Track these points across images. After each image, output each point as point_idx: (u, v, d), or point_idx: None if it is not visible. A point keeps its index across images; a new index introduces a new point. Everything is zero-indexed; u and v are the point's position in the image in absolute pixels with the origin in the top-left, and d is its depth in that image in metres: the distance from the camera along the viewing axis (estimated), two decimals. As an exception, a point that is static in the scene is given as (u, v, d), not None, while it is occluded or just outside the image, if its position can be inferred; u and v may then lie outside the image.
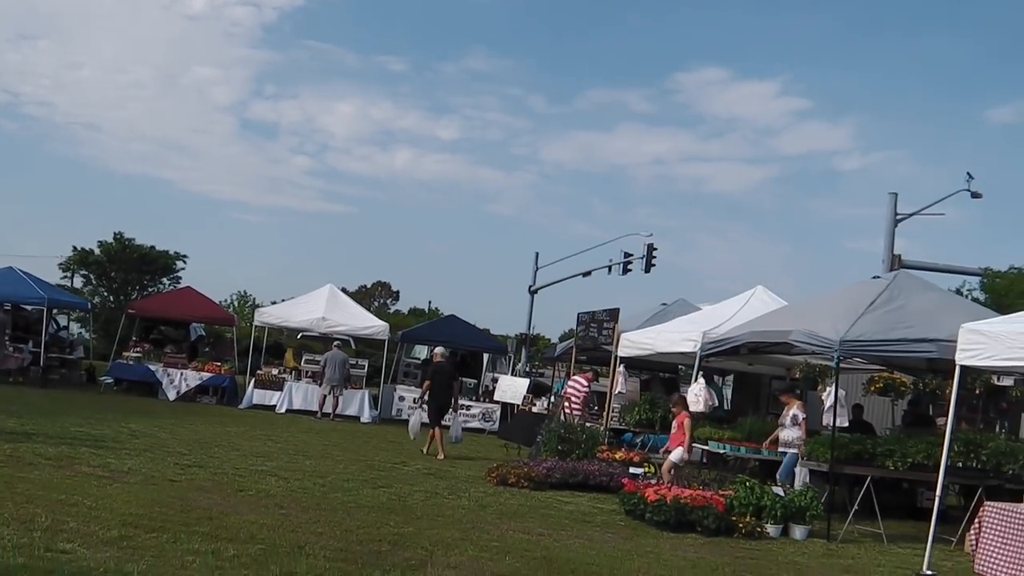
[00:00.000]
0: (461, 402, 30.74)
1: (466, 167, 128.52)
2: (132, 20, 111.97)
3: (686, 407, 18.91)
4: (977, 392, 17.92)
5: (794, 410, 18.30)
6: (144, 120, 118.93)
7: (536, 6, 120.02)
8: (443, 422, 22.59)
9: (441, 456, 21.77)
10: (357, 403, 30.86)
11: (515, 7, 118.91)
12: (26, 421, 19.87)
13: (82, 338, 41.77)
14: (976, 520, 13.00)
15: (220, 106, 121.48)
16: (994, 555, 12.36)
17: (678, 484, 16.92)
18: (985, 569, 12.55)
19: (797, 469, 17.69)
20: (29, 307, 34.84)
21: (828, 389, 17.41)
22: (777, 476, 17.85)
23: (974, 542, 12.76)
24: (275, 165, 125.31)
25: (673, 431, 18.64)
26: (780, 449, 18.46)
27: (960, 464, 16.34)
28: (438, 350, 24.92)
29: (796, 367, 20.26)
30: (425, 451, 22.30)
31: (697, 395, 20.09)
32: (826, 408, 17.34)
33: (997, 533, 12.44)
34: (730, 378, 31.20)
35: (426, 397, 23.18)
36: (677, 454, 18.08)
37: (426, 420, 22.93)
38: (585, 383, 24.48)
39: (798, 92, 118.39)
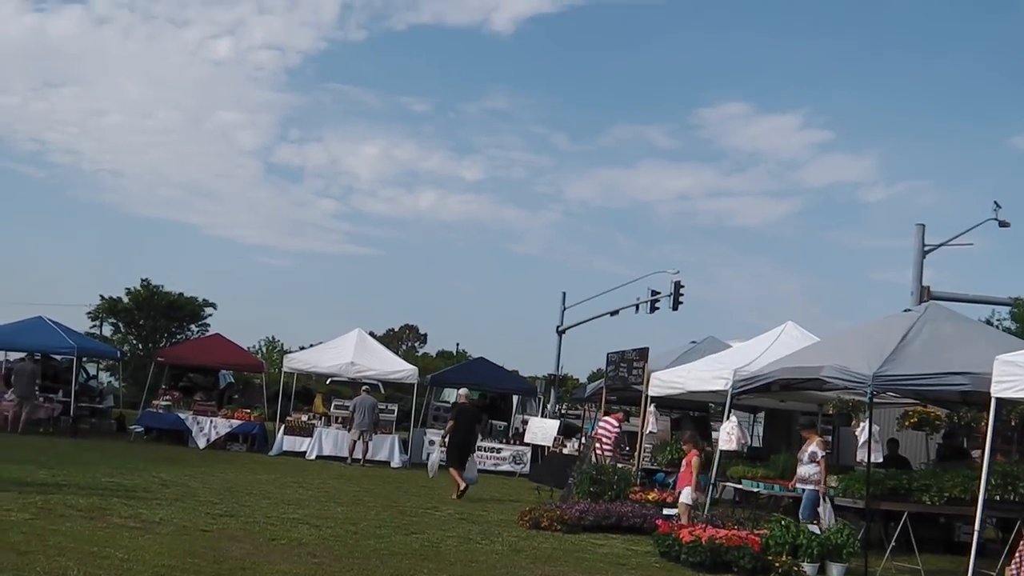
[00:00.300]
0: (492, 445, 30.81)
1: (491, 207, 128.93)
2: (157, 65, 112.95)
3: (696, 445, 18.81)
4: (1012, 424, 17.76)
5: (813, 447, 18.10)
6: (169, 165, 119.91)
7: (556, 44, 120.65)
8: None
9: (455, 496, 21.99)
10: (387, 448, 30.74)
11: (536, 46, 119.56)
12: (57, 472, 19.86)
13: (112, 387, 41.93)
14: (1017, 554, 12.82)
15: (245, 150, 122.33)
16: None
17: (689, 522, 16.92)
18: (1027, 603, 12.36)
19: (820, 508, 17.53)
20: (59, 356, 34.94)
21: (862, 425, 17.28)
22: (799, 515, 17.69)
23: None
24: (301, 208, 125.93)
25: (682, 470, 18.53)
26: (798, 486, 18.30)
27: (997, 497, 16.18)
28: (462, 391, 25.05)
29: (829, 403, 20.13)
30: (455, 496, 22.12)
31: (730, 433, 19.91)
32: (860, 444, 17.22)
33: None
34: (761, 415, 31.05)
35: (448, 436, 23.23)
36: (687, 494, 17.94)
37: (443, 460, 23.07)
38: (615, 423, 24.37)
39: (820, 124, 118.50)
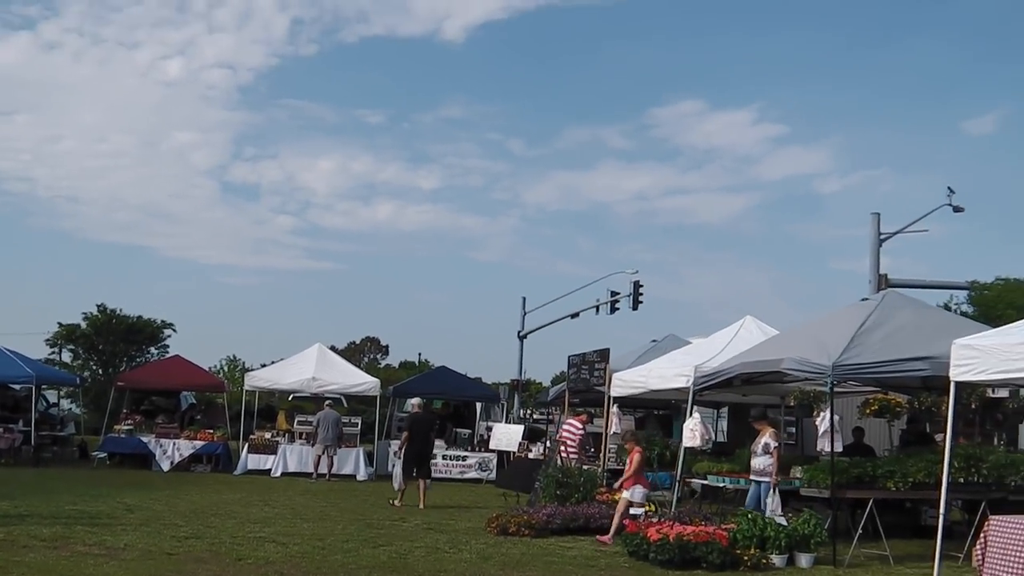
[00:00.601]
0: (457, 452, 30.82)
1: (449, 215, 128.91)
2: (109, 90, 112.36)
3: (640, 442, 18.80)
4: (973, 406, 17.87)
5: (766, 438, 18.13)
6: (126, 188, 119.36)
7: (508, 50, 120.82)
8: (414, 473, 22.93)
9: (402, 504, 22.18)
10: (352, 461, 30.61)
11: (488, 53, 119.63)
12: (19, 502, 19.70)
13: (73, 414, 41.57)
14: (981, 535, 12.87)
15: (201, 170, 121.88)
16: (1001, 568, 12.22)
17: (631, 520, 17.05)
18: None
19: (768, 499, 17.58)
20: (17, 386, 34.68)
21: (823, 415, 17.34)
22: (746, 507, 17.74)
23: (980, 557, 12.63)
24: (259, 226, 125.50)
25: (627, 468, 18.48)
26: (752, 478, 18.34)
27: (962, 480, 16.30)
28: (415, 401, 25.16)
29: (791, 395, 20.19)
30: (398, 503, 22.37)
31: (693, 430, 19.92)
32: (821, 433, 17.27)
33: (1002, 546, 12.30)
34: (725, 410, 31.13)
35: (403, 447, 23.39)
36: (638, 493, 17.94)
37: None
38: (580, 425, 24.32)
39: (774, 118, 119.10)
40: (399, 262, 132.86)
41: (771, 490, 17.49)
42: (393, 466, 25.43)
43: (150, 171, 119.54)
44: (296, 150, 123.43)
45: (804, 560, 15.04)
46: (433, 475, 29.14)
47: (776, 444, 17.94)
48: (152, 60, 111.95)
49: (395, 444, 30.53)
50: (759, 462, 18.03)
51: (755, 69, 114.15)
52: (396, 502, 22.48)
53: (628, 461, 18.43)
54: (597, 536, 17.47)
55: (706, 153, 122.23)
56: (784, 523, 15.43)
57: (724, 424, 32.65)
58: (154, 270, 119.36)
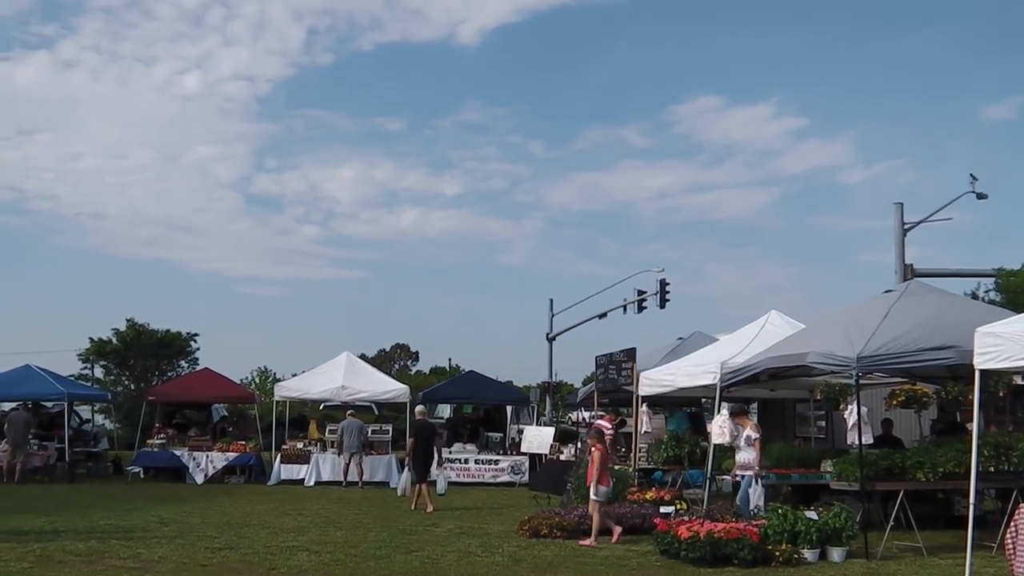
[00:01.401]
0: (490, 456, 30.83)
1: (473, 220, 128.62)
2: (128, 106, 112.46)
3: (602, 440, 18.78)
4: (1001, 394, 17.78)
5: (747, 431, 18.13)
6: (148, 204, 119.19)
7: (524, 52, 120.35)
8: (429, 477, 23.24)
9: (430, 509, 22.30)
10: (384, 468, 30.73)
11: (504, 56, 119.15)
12: (55, 518, 19.88)
13: (105, 429, 41.77)
14: (1012, 523, 12.84)
15: (223, 183, 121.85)
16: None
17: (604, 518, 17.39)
18: (1024, 572, 12.38)
19: (751, 490, 17.58)
20: (50, 403, 34.92)
21: (850, 408, 17.31)
22: (737, 501, 17.75)
23: (1012, 545, 12.59)
24: (283, 237, 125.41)
25: (588, 466, 18.49)
26: (737, 472, 18.34)
27: (992, 468, 16.23)
28: (418, 408, 25.49)
29: (817, 388, 20.16)
30: (413, 507, 22.72)
31: (722, 427, 19.88)
32: (849, 426, 17.23)
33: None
34: (754, 406, 31.07)
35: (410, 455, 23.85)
36: (592, 491, 17.92)
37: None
38: (609, 426, 24.35)
39: (793, 112, 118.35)
40: (425, 268, 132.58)
41: (753, 482, 17.53)
42: (400, 476, 25.79)
43: (172, 185, 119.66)
44: (317, 160, 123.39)
45: (836, 554, 15.04)
46: (466, 479, 29.40)
47: (757, 436, 17.98)
48: (169, 75, 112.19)
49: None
50: (741, 456, 18.06)
51: (772, 64, 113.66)
52: (413, 506, 22.89)
53: (590, 460, 18.46)
54: (580, 540, 17.51)
55: (726, 149, 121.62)
56: (815, 517, 15.40)
57: (754, 420, 32.55)
58: (180, 284, 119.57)
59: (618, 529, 17.50)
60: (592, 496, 17.80)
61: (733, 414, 19.56)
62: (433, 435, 24.43)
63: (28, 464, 30.24)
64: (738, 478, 19.03)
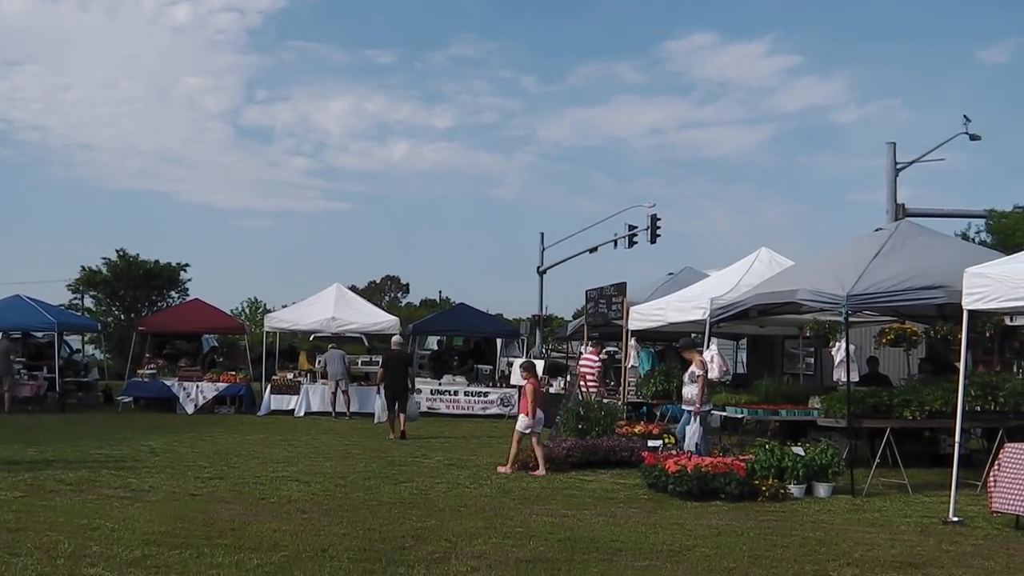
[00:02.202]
0: (479, 389, 30.97)
1: (465, 153, 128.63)
2: (117, 37, 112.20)
3: (534, 374, 18.89)
4: (989, 335, 17.89)
5: (692, 367, 18.20)
6: (138, 135, 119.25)
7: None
8: (401, 406, 24.04)
9: (391, 436, 23.51)
10: (373, 400, 30.82)
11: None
12: (45, 448, 19.94)
13: (96, 359, 41.84)
14: (996, 462, 12.95)
15: (213, 114, 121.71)
16: (1011, 494, 12.31)
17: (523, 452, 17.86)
18: (1001, 507, 12.51)
19: (688, 428, 17.67)
20: (40, 333, 34.92)
21: (838, 345, 17.38)
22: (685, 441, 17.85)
23: (993, 482, 12.71)
24: (274, 168, 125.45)
25: (520, 399, 18.64)
26: (683, 407, 18.46)
27: (979, 408, 16.33)
28: (394, 339, 26.61)
29: (807, 325, 20.24)
30: (391, 437, 23.37)
31: (711, 361, 19.96)
32: (837, 363, 17.31)
33: (1014, 473, 12.39)
34: (744, 341, 31.19)
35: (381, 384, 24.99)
36: (522, 422, 18.14)
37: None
38: (595, 358, 24.45)
39: (788, 49, 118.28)
40: (416, 201, 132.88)
41: (692, 418, 17.62)
42: (375, 404, 26.23)
43: (162, 117, 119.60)
44: (308, 92, 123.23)
45: (822, 490, 15.15)
46: (455, 411, 29.57)
47: (700, 373, 17.97)
48: (159, 6, 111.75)
49: (417, 381, 31.07)
50: (687, 391, 18.13)
51: (767, 1, 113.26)
52: (390, 436, 23.47)
53: (522, 392, 18.63)
54: (497, 467, 17.97)
55: (720, 86, 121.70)
56: (802, 453, 15.49)
57: (744, 355, 32.68)
58: (171, 215, 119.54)
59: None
60: (518, 427, 18.18)
61: (682, 348, 19.62)
62: (406, 365, 24.91)
63: (17, 394, 30.27)
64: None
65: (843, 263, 17.29)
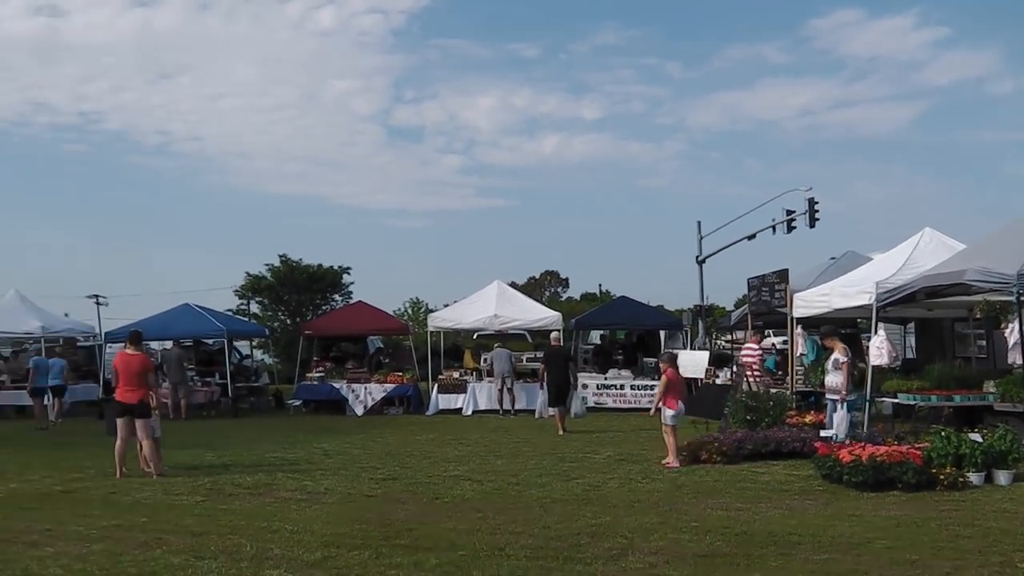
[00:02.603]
0: (644, 382, 30.81)
1: (614, 144, 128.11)
2: (265, 44, 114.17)
3: (673, 364, 18.67)
4: None
5: (836, 354, 17.84)
6: (292, 141, 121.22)
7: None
8: (565, 402, 24.44)
9: (560, 432, 23.44)
10: (539, 396, 30.93)
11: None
12: (223, 453, 20.43)
13: (265, 364, 42.66)
14: None
15: (364, 116, 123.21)
16: None
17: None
18: None
19: (835, 416, 17.31)
20: (210, 340, 35.73)
21: (1011, 326, 16.97)
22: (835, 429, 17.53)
23: None
24: (426, 168, 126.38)
25: (661, 389, 18.36)
26: (827, 396, 18.11)
27: None
28: (552, 335, 26.71)
29: (977, 307, 19.80)
30: (561, 433, 23.54)
31: (879, 348, 19.60)
32: (1011, 345, 16.90)
33: None
34: (912, 325, 30.62)
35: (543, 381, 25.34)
36: (668, 414, 17.92)
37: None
38: (756, 346, 24.27)
39: (936, 21, 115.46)
40: (570, 194, 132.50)
41: (837, 406, 17.30)
42: (539, 401, 26.39)
43: (314, 121, 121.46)
44: (455, 89, 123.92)
45: (1003, 477, 14.75)
46: (622, 405, 29.56)
47: (845, 360, 17.67)
48: (304, 11, 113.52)
49: (582, 376, 31.13)
50: (830, 379, 17.80)
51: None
52: (560, 432, 23.60)
53: (661, 382, 18.46)
54: (663, 461, 17.76)
55: (869, 62, 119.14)
56: (979, 439, 15.13)
57: (913, 340, 32.07)
58: (328, 218, 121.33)
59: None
60: (665, 421, 18.04)
61: (823, 335, 19.36)
62: (566, 361, 25.18)
63: (192, 400, 31.08)
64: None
65: (1013, 241, 16.85)
